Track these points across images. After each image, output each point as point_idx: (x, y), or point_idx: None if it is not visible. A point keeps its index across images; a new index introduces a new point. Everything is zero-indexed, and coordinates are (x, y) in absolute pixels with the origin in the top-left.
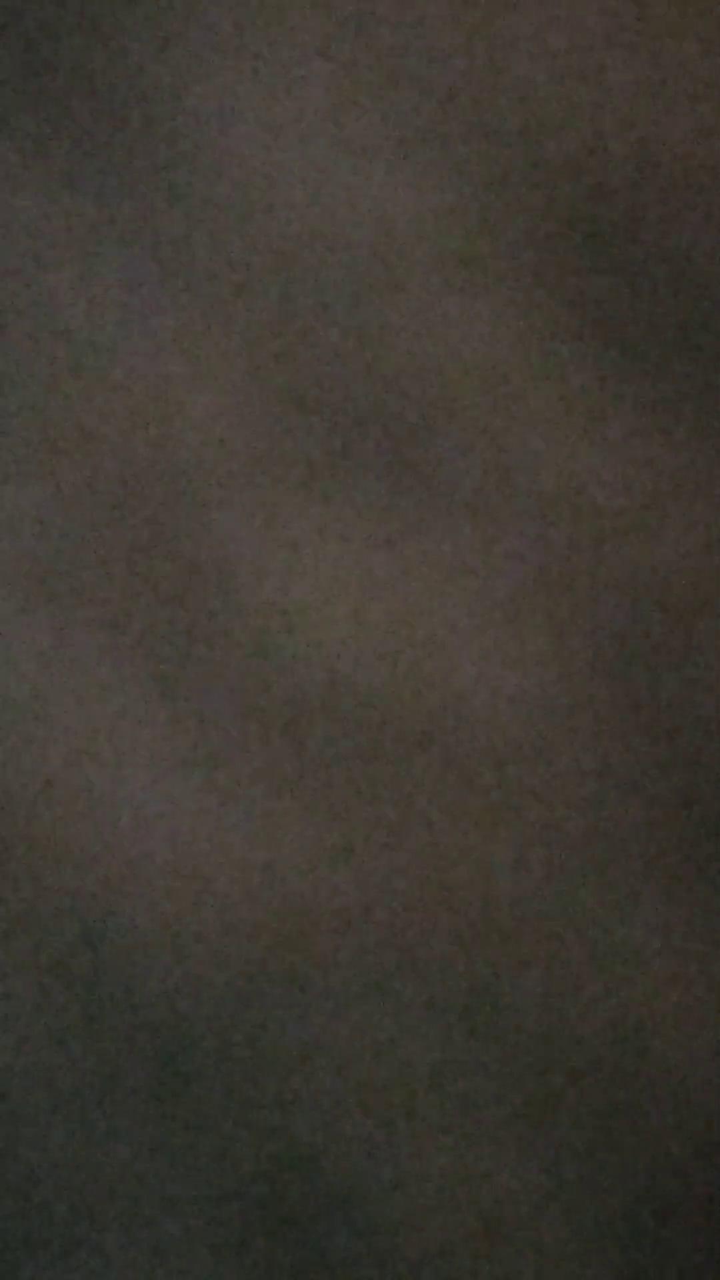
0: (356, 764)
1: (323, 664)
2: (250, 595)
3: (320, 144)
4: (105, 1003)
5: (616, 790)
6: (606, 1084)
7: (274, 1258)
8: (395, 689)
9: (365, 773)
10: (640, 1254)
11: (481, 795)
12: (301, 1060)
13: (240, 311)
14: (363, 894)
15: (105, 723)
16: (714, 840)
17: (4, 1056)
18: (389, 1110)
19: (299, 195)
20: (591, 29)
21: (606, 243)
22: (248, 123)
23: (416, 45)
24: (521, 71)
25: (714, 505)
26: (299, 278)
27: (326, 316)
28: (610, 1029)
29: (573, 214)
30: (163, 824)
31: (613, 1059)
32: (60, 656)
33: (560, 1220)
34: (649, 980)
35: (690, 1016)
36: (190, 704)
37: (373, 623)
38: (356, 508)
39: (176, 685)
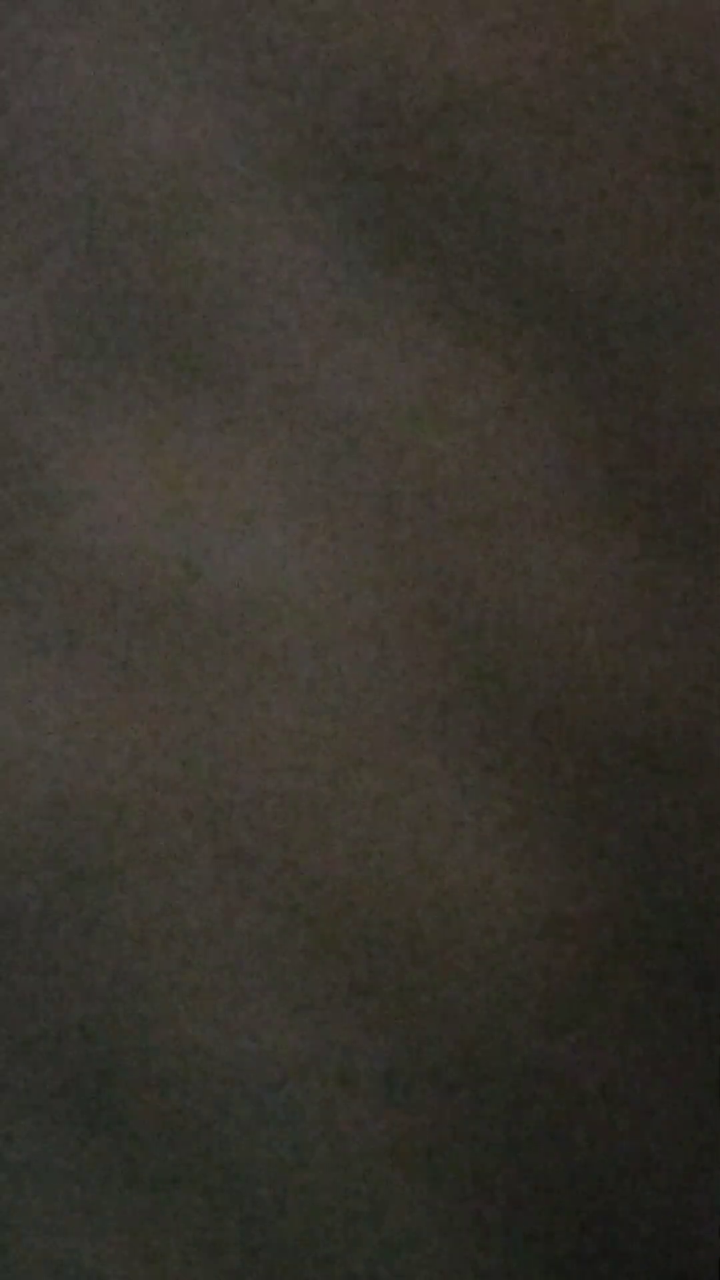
0: (165, 652)
1: (127, 559)
2: (59, 501)
3: (122, 68)
4: None
5: (407, 668)
6: (409, 952)
7: (98, 1137)
8: (195, 579)
9: (174, 661)
10: (426, 1104)
11: (283, 677)
12: (120, 943)
13: (41, 224)
14: (173, 780)
15: None
16: (502, 713)
17: None
18: (208, 985)
19: (103, 118)
20: None
21: (415, 163)
22: (49, 47)
23: None
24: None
25: (502, 401)
26: (102, 196)
27: (130, 232)
28: (412, 895)
29: (381, 138)
30: None
31: (414, 925)
32: None
33: (376, 1081)
34: (448, 846)
35: (485, 882)
36: (5, 600)
37: (176, 520)
38: (159, 414)
39: None
